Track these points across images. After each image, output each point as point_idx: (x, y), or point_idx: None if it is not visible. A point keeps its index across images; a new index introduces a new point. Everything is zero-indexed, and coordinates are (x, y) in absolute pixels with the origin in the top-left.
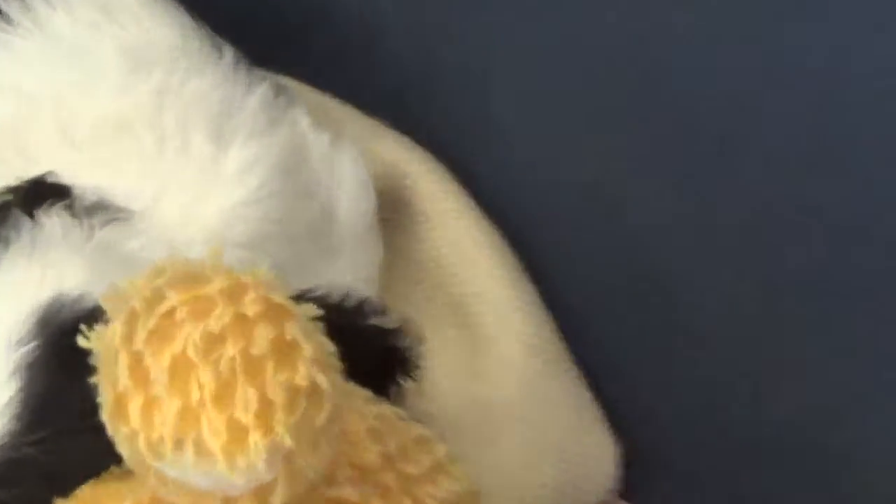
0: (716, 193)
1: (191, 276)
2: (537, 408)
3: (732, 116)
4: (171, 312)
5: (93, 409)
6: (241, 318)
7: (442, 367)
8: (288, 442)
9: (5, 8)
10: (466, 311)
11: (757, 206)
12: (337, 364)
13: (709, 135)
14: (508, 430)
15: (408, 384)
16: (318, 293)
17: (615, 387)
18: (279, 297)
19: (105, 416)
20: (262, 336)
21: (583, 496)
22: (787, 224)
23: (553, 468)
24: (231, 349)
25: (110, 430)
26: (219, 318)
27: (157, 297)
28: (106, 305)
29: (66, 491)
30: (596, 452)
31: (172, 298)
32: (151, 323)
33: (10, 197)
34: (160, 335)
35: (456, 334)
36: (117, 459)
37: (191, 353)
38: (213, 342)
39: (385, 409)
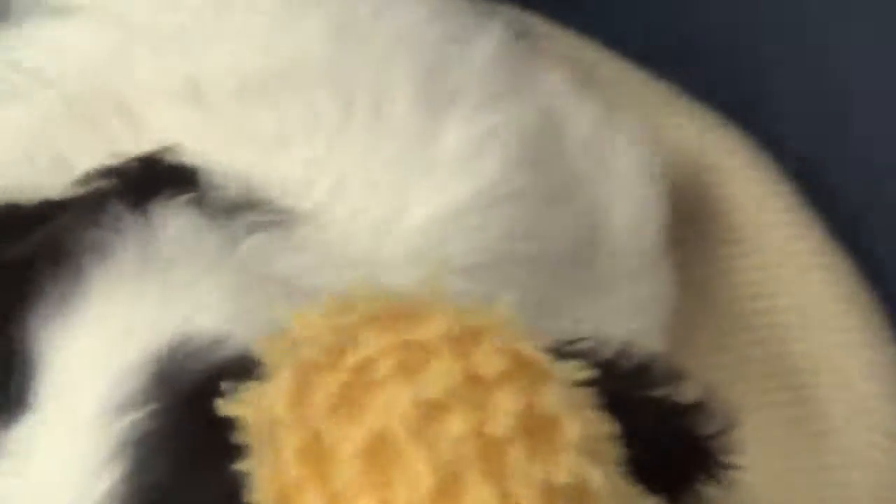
0: None
1: (397, 314)
2: None
3: None
4: (367, 367)
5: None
6: (473, 380)
7: (762, 462)
8: None
9: None
10: (799, 379)
11: None
12: (614, 453)
13: None
14: None
15: (711, 488)
16: (585, 345)
17: None
18: (529, 349)
19: None
20: (506, 407)
21: None
22: None
23: None
24: (459, 425)
25: None
26: (441, 377)
27: (344, 342)
28: (262, 353)
29: None
30: None
31: (369, 346)
32: (336, 381)
33: (109, 183)
34: (349, 401)
35: (783, 414)
36: None
37: (397, 429)
38: (431, 414)
39: None
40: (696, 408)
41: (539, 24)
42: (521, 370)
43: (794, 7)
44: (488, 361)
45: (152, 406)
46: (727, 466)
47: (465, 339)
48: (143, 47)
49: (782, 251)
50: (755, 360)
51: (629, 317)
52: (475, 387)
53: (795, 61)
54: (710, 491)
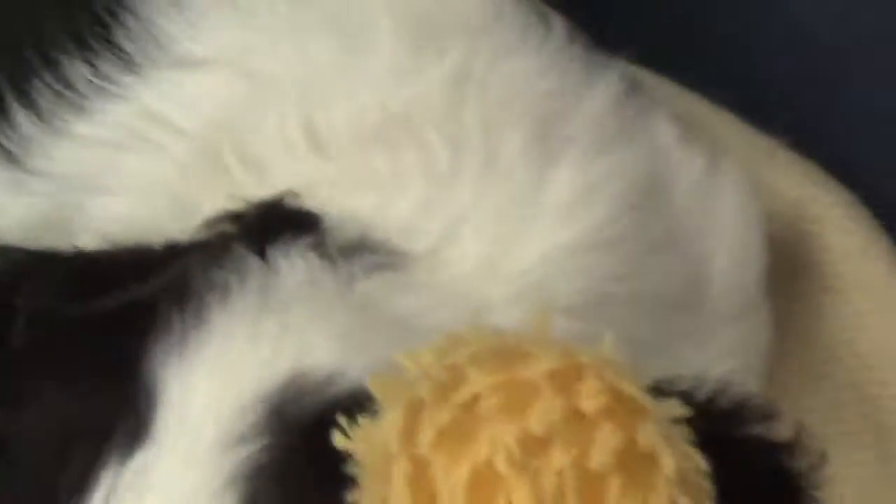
0: None
1: (503, 353)
2: None
3: None
4: (473, 403)
5: None
6: (575, 416)
7: (855, 494)
8: None
9: None
10: (891, 422)
11: None
12: (709, 489)
13: None
14: None
15: None
16: (684, 386)
17: None
18: (630, 388)
19: None
20: (606, 442)
21: None
22: None
23: None
24: (560, 459)
25: None
26: (544, 413)
27: (453, 379)
28: (375, 390)
29: None
30: None
31: (477, 383)
32: (445, 417)
33: (231, 227)
34: (457, 435)
35: (874, 456)
36: None
37: (501, 463)
38: (534, 448)
39: None
40: (790, 446)
41: (649, 77)
42: (621, 407)
43: None
44: (589, 398)
45: (267, 440)
46: (817, 502)
47: (567, 377)
48: (268, 97)
49: (883, 300)
50: (848, 403)
51: (729, 360)
52: (577, 423)
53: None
54: None
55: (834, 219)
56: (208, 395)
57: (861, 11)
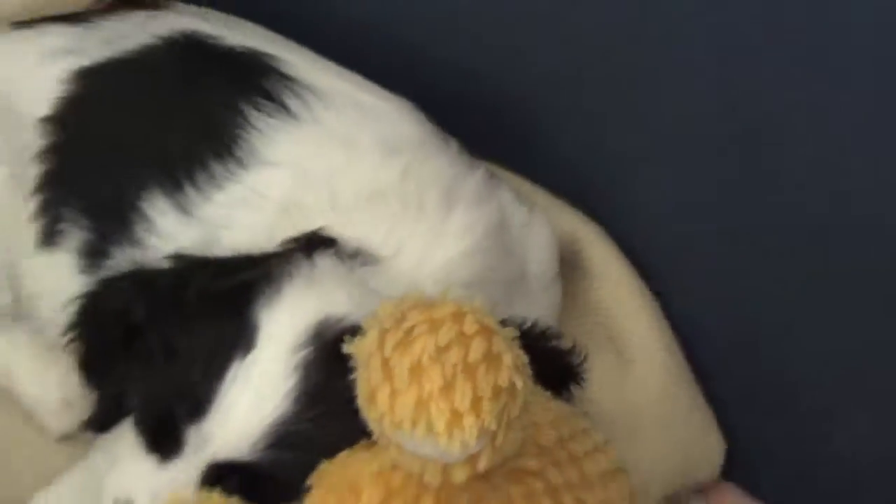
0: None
1: (427, 304)
2: (668, 412)
3: None
4: (411, 329)
5: (351, 397)
6: (462, 335)
7: (599, 380)
8: (493, 426)
9: (291, 106)
10: (619, 339)
11: None
12: (528, 371)
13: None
14: (646, 427)
15: (575, 390)
16: (515, 321)
17: (725, 395)
18: (489, 322)
19: (361, 402)
20: (477, 348)
21: (698, 476)
22: None
23: (678, 455)
24: (454, 357)
25: (364, 412)
26: (446, 333)
27: (402, 317)
28: (364, 324)
29: (329, 455)
30: (710, 444)
31: (413, 319)
32: (398, 336)
33: (294, 244)
34: (403, 345)
35: (610, 357)
36: (366, 435)
37: (425, 359)
38: (441, 351)
39: (561, 405)
40: (569, 351)
41: (497, 168)
42: (486, 331)
43: None
44: (470, 326)
45: (311, 348)
46: (583, 378)
47: (458, 316)
48: (313, 181)
49: (612, 280)
50: (597, 332)
51: (539, 311)
52: (463, 339)
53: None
54: (575, 390)
55: (592, 242)
56: (284, 325)
57: None
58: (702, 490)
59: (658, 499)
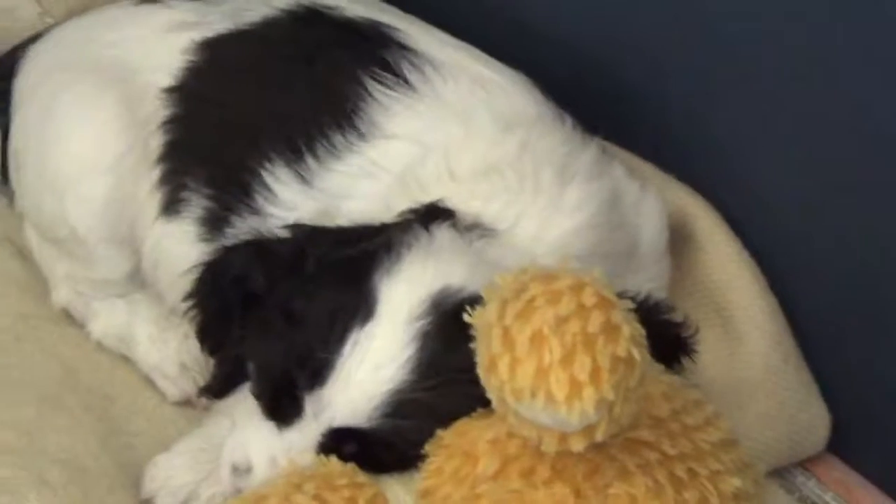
0: None
1: (546, 276)
2: (774, 385)
3: None
4: (532, 300)
5: (469, 366)
6: (581, 306)
7: (708, 352)
8: (610, 396)
9: (410, 78)
10: (727, 313)
11: None
12: (644, 343)
13: None
14: (754, 400)
15: (686, 363)
16: (631, 294)
17: (830, 369)
18: (608, 293)
19: (480, 371)
20: (596, 319)
21: (804, 450)
22: None
23: (786, 428)
24: (574, 327)
25: (483, 381)
26: (566, 305)
27: (522, 288)
28: (484, 294)
29: (445, 424)
30: (815, 418)
31: (534, 290)
32: (518, 307)
33: (412, 216)
34: (524, 315)
35: (719, 331)
36: (483, 404)
37: (545, 329)
38: (561, 322)
39: (672, 378)
40: (681, 324)
41: (609, 145)
42: (604, 303)
43: None
44: (589, 298)
45: (429, 318)
46: (694, 351)
47: (577, 287)
48: (430, 154)
49: (722, 253)
50: (706, 305)
51: (651, 283)
52: (582, 310)
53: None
54: (686, 362)
55: (701, 217)
56: (402, 295)
57: None
58: (807, 464)
59: (764, 472)
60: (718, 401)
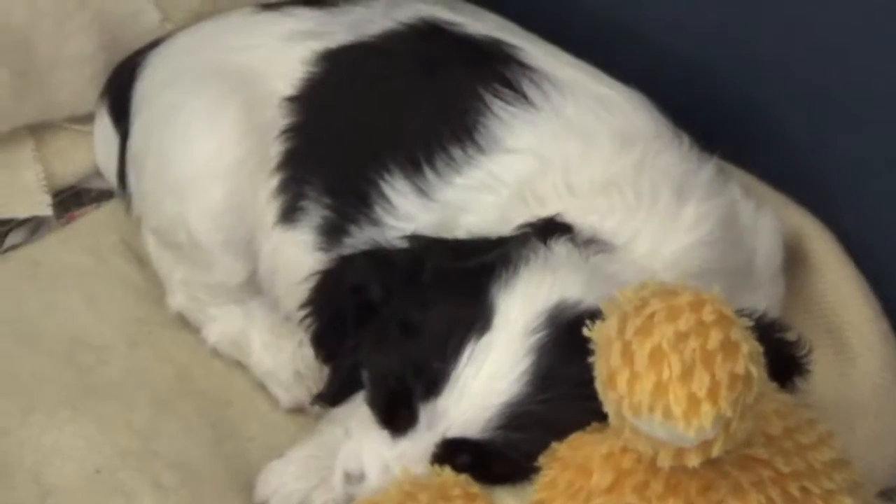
0: None
1: (667, 291)
2: (884, 407)
3: None
4: (652, 315)
5: (584, 380)
6: (701, 323)
7: (819, 373)
8: (728, 412)
9: (530, 94)
10: (839, 334)
11: None
12: (762, 361)
13: None
14: (863, 421)
15: (799, 382)
16: (748, 312)
17: None
18: (727, 311)
19: (598, 385)
20: (715, 336)
21: None
22: None
23: (893, 451)
24: (693, 344)
25: (601, 395)
26: (686, 321)
27: (642, 303)
28: (604, 309)
29: (559, 437)
30: None
31: (654, 305)
32: (638, 322)
33: (529, 229)
34: (644, 330)
35: (830, 351)
36: (598, 418)
37: (665, 345)
38: (681, 338)
39: (786, 396)
40: (795, 343)
41: (726, 165)
42: (724, 320)
43: None
44: (709, 315)
45: (546, 331)
46: (807, 371)
47: (698, 304)
48: (549, 168)
49: (835, 274)
50: (819, 325)
51: (766, 301)
52: (702, 326)
53: None
54: (799, 382)
55: (816, 237)
56: (519, 308)
57: None
58: None
59: (872, 493)
60: (827, 421)
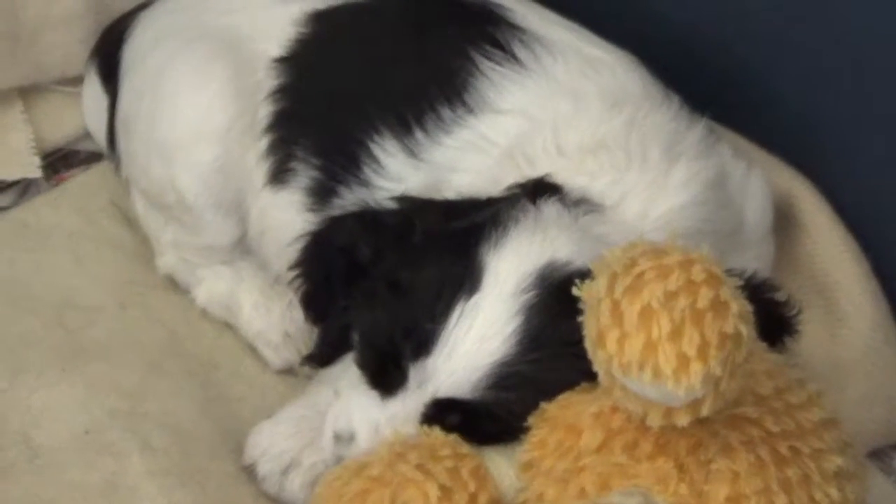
0: None
1: (656, 251)
2: (875, 367)
3: None
4: (641, 274)
5: (573, 340)
6: (690, 282)
7: (809, 333)
8: (717, 371)
9: (520, 55)
10: (828, 294)
11: None
12: (751, 320)
13: None
14: (853, 381)
15: (789, 342)
16: (738, 271)
17: None
18: (717, 270)
19: (588, 344)
20: (705, 295)
21: None
22: None
23: (883, 410)
24: (682, 303)
25: (591, 354)
26: (675, 280)
27: (631, 263)
28: (594, 268)
29: (549, 396)
30: None
31: (643, 265)
32: (627, 281)
33: (519, 190)
34: (633, 290)
35: (820, 312)
36: (587, 377)
37: (654, 304)
38: (670, 297)
39: (776, 356)
40: (785, 303)
41: (716, 126)
42: (713, 279)
43: None
44: (698, 274)
45: (535, 291)
46: (796, 331)
47: (688, 263)
48: (538, 130)
49: (824, 235)
50: (808, 286)
51: (755, 262)
52: (692, 285)
53: None
54: (788, 341)
55: (806, 199)
56: (509, 268)
57: None
58: None
59: (862, 453)
60: (817, 381)
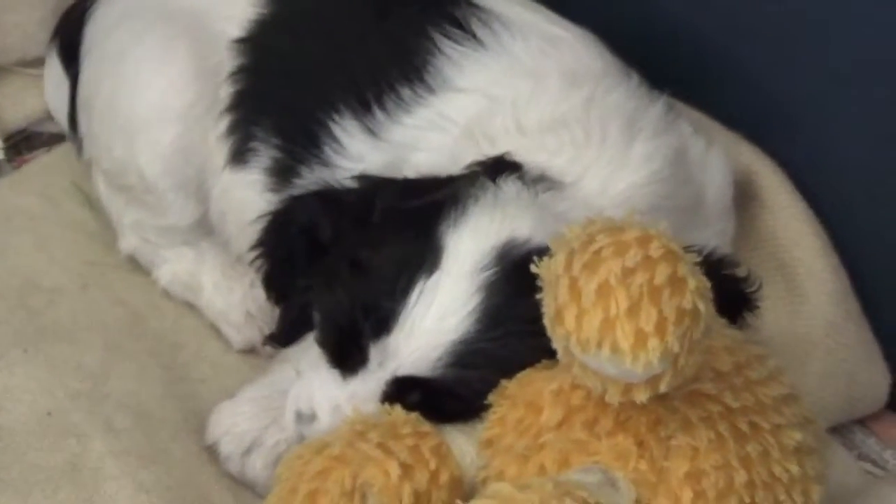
0: None
1: (613, 227)
2: (834, 343)
3: None
4: (599, 251)
5: (533, 317)
6: (648, 258)
7: (770, 309)
8: (675, 347)
9: (479, 34)
10: (789, 270)
11: None
12: (709, 296)
13: None
14: (814, 357)
15: (749, 318)
16: (696, 248)
17: (891, 329)
18: (674, 246)
19: (546, 321)
20: (662, 272)
21: (863, 408)
22: None
23: (843, 386)
24: (640, 279)
25: (549, 331)
26: (633, 257)
27: (589, 240)
28: (552, 245)
29: (509, 375)
30: (875, 376)
31: (601, 241)
32: (585, 258)
33: (479, 168)
34: (591, 266)
35: (781, 288)
36: (547, 355)
37: (612, 280)
38: (627, 274)
39: (735, 332)
40: (744, 279)
41: (677, 102)
42: (671, 255)
43: None
44: (656, 250)
45: (495, 269)
46: (756, 306)
47: (645, 240)
48: (498, 108)
49: (785, 211)
50: (768, 262)
51: (715, 238)
52: (649, 262)
53: None
54: (748, 317)
55: (767, 175)
56: (468, 246)
57: None
58: (867, 421)
59: (823, 428)
60: (778, 356)
